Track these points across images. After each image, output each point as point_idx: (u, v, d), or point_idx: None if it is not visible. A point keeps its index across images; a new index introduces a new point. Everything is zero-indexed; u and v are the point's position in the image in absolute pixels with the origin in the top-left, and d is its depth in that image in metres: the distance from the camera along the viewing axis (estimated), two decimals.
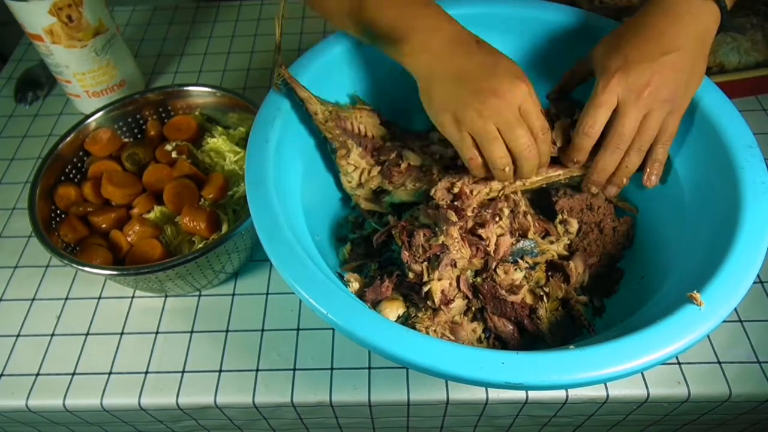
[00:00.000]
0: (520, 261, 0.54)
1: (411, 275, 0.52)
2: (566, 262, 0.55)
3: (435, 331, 0.51)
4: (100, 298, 0.65)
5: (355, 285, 0.53)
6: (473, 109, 0.47)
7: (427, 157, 0.59)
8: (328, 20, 0.55)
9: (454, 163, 0.58)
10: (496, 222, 0.54)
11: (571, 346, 0.40)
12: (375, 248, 0.58)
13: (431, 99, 0.49)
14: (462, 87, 0.47)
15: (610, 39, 0.51)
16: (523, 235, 0.55)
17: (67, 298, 0.65)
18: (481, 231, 0.53)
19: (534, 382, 0.37)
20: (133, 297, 0.65)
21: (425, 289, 0.51)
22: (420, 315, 0.52)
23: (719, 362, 0.57)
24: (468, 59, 0.48)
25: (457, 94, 0.48)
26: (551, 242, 0.57)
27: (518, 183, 0.56)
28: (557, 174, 0.56)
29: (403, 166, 0.58)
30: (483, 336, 0.54)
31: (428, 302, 0.51)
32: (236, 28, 0.99)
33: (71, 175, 0.68)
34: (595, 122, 0.50)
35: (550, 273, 0.55)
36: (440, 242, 0.52)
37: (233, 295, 0.65)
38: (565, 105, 0.59)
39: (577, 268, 0.55)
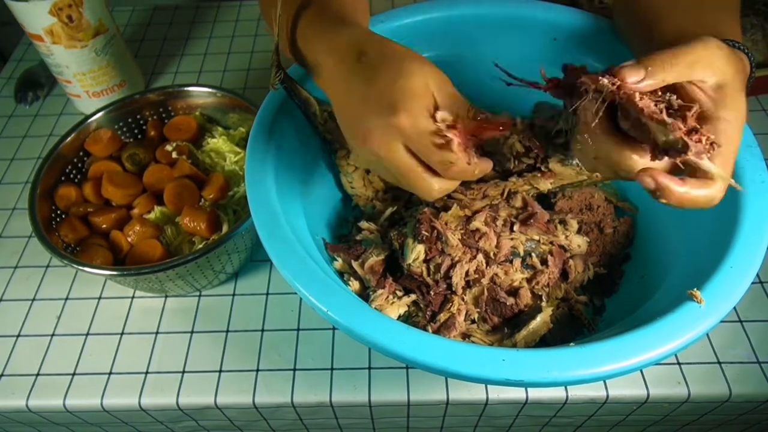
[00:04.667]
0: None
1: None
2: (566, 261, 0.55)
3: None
4: (100, 298, 0.65)
5: (356, 284, 0.53)
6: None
7: None
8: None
9: None
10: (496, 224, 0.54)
11: (572, 344, 0.40)
12: None
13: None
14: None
15: None
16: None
17: (67, 298, 0.65)
18: (480, 241, 0.53)
19: (534, 379, 0.37)
20: (133, 297, 0.65)
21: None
22: (421, 314, 0.52)
23: (719, 362, 0.57)
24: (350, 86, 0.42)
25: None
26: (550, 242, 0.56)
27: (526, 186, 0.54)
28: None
29: None
30: None
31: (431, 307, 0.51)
32: (236, 28, 0.99)
33: (71, 176, 0.68)
34: None
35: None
36: (440, 248, 0.52)
37: (233, 295, 0.65)
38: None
39: (577, 267, 0.55)
